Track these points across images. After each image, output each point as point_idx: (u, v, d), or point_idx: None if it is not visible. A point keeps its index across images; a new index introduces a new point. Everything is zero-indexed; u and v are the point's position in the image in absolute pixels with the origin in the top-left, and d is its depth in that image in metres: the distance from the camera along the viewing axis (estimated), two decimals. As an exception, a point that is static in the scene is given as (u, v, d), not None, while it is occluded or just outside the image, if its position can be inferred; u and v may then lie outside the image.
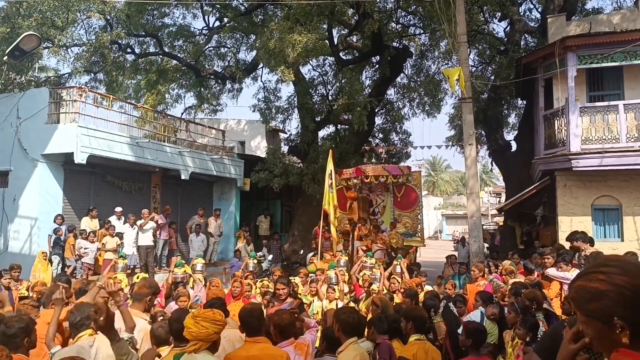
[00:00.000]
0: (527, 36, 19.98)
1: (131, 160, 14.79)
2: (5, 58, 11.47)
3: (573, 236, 9.35)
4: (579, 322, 1.73)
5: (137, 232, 14.23)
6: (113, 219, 14.00)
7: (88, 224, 13.52)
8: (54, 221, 12.96)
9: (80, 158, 13.06)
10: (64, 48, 16.99)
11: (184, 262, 9.81)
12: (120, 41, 18.04)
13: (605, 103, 12.88)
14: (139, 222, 14.25)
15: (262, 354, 3.88)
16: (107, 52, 17.20)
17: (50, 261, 12.34)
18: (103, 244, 13.11)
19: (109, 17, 17.24)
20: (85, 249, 12.76)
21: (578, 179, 12.88)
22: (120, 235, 13.56)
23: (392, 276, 9.92)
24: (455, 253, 18.28)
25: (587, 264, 7.53)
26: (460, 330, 6.51)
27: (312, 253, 13.79)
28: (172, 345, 4.10)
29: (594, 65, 12.83)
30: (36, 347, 4.11)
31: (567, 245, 9.78)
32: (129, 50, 19.56)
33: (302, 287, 9.25)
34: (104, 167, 14.89)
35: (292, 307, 7.06)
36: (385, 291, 9.46)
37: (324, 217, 12.19)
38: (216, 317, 3.62)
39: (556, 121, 13.24)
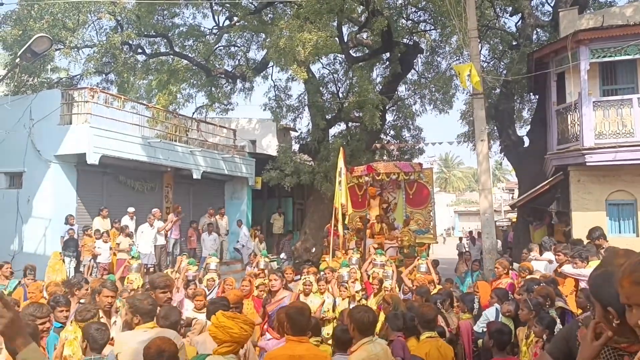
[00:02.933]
0: (539, 30, 19.79)
1: (143, 160, 14.87)
2: (17, 60, 11.55)
3: (593, 233, 9.20)
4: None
5: (156, 232, 14.34)
6: (126, 219, 14.08)
7: (100, 223, 13.60)
8: (66, 222, 13.06)
9: (92, 158, 13.14)
10: (75, 49, 17.08)
11: (195, 261, 9.86)
12: (130, 42, 18.11)
13: (619, 97, 12.72)
14: (156, 224, 14.32)
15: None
16: (118, 53, 17.28)
17: (63, 262, 12.43)
18: (117, 243, 13.19)
19: (119, 18, 17.32)
20: (99, 248, 12.84)
21: (592, 174, 12.74)
22: (131, 235, 13.65)
23: (418, 275, 9.80)
24: (461, 250, 18.37)
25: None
26: (476, 328, 6.49)
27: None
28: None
29: (607, 59, 12.68)
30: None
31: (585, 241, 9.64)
32: (139, 50, 19.63)
33: (317, 285, 9.19)
34: (116, 167, 14.97)
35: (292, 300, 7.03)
36: (397, 289, 9.41)
37: (336, 215, 12.17)
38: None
39: (569, 116, 13.11)
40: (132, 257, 10.06)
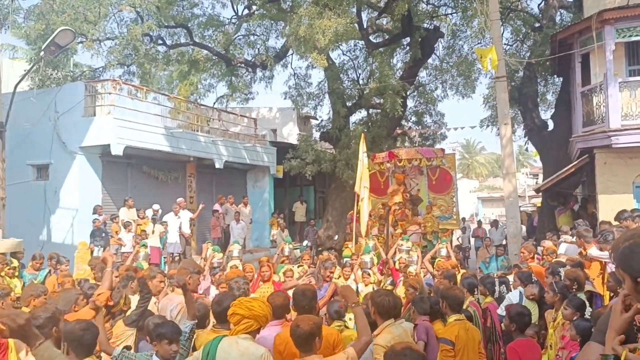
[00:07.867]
0: (562, 11, 19.45)
1: (166, 150, 15.01)
2: (42, 54, 11.72)
3: (621, 215, 9.00)
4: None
5: (180, 221, 14.46)
6: (149, 213, 14.18)
7: (126, 214, 13.78)
8: (93, 212, 13.27)
9: (116, 149, 13.33)
10: (97, 42, 17.22)
11: (220, 248, 9.96)
12: (151, 33, 18.19)
13: (646, 77, 12.45)
14: (182, 213, 14.43)
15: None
16: (139, 45, 17.36)
17: (92, 251, 12.62)
18: (144, 231, 13.32)
19: (139, 10, 17.40)
20: (121, 239, 13.02)
21: (618, 156, 12.50)
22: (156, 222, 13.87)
23: (438, 259, 9.79)
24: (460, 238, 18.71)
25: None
26: (499, 311, 6.45)
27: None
28: (212, 325, 4.21)
29: (633, 39, 12.38)
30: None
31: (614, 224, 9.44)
32: (160, 41, 19.71)
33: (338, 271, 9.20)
34: (140, 158, 15.16)
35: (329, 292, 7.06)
36: (426, 275, 9.37)
37: (357, 201, 12.15)
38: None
39: (594, 97, 12.87)
40: (142, 246, 10.22)
